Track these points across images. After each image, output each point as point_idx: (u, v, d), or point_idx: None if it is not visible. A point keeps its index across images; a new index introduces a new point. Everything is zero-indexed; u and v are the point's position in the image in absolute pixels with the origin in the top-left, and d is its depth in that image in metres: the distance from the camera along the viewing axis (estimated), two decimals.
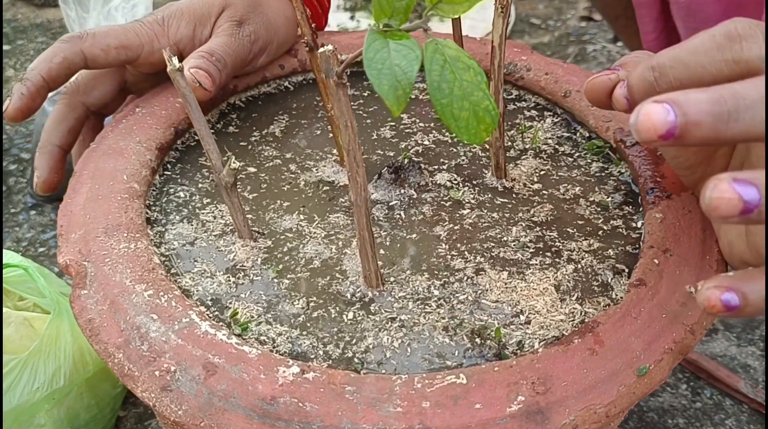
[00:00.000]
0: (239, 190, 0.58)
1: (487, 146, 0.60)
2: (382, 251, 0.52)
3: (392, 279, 0.50)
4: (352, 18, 1.50)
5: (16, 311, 0.72)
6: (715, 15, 0.81)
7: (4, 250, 0.75)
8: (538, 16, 1.60)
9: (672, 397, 0.83)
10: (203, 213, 0.56)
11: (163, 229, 0.54)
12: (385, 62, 0.36)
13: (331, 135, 0.64)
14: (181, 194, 0.57)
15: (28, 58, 1.48)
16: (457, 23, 0.54)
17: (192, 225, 0.55)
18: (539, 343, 0.46)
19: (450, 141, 0.63)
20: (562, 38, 1.52)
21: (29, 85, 0.57)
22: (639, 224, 0.54)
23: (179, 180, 0.59)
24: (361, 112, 0.67)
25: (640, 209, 0.55)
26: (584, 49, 1.47)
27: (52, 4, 1.67)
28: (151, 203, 0.56)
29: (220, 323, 0.46)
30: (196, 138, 0.63)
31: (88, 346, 0.73)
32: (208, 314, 0.47)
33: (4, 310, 0.71)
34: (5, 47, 1.51)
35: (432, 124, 0.65)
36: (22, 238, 1.07)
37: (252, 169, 0.60)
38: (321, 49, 0.41)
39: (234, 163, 0.50)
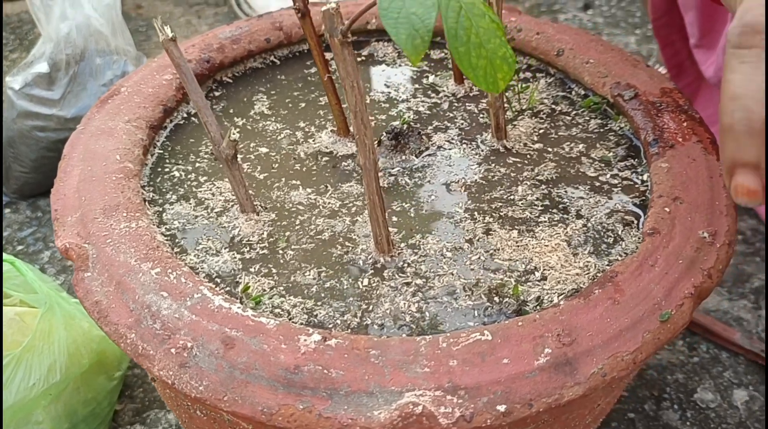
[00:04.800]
0: (246, 169, 0.56)
1: (486, 106, 0.60)
2: (394, 218, 0.51)
3: (403, 244, 0.49)
4: None
5: (7, 307, 0.69)
6: None
7: None
8: None
9: (670, 353, 0.83)
10: (201, 191, 0.54)
11: (161, 209, 0.52)
12: (401, 11, 0.35)
13: (322, 102, 0.63)
14: (176, 173, 0.56)
15: None
16: None
17: (191, 203, 0.53)
18: (558, 297, 0.45)
19: (442, 103, 0.62)
20: (533, 9, 1.51)
21: None
22: (645, 177, 0.54)
23: (172, 159, 0.57)
24: None
25: (644, 162, 0.55)
26: (556, 19, 1.47)
27: None
28: (145, 184, 0.54)
29: (233, 298, 0.45)
30: (186, 115, 0.61)
31: (83, 340, 0.71)
32: (218, 290, 0.46)
33: None
34: None
35: (420, 87, 0.64)
36: None
37: (253, 146, 0.59)
38: (324, 7, 0.40)
39: (234, 134, 0.49)
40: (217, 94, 0.64)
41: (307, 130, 0.60)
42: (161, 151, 0.58)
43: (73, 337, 0.70)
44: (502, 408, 0.38)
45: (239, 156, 0.57)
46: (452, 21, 0.35)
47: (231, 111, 0.62)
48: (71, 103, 1.02)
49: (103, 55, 1.02)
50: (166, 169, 0.56)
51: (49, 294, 0.70)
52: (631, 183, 0.54)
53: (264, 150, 0.58)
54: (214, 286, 0.46)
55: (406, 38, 0.34)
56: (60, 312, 0.70)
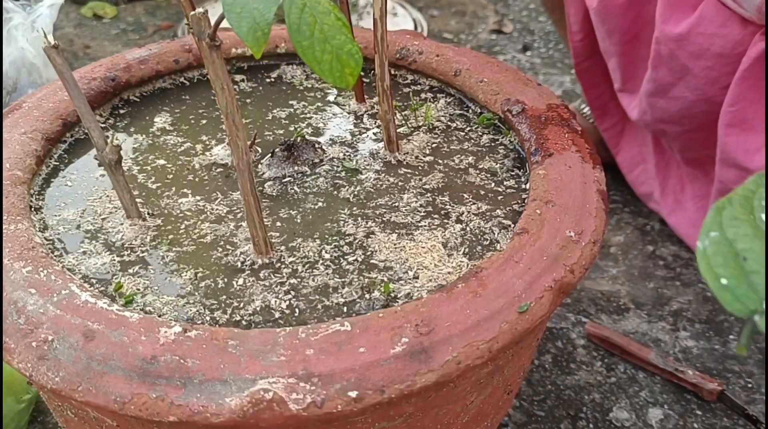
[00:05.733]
0: (140, 179, 0.57)
1: (379, 122, 0.62)
2: (278, 223, 0.52)
3: (283, 247, 0.50)
4: None
5: None
6: (620, 28, 0.84)
7: None
8: (450, 31, 1.64)
9: (587, 374, 0.84)
10: (90, 199, 0.55)
11: (47, 216, 0.53)
12: (245, 6, 0.36)
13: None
14: (69, 183, 0.56)
15: None
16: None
17: (78, 210, 0.54)
18: (427, 293, 0.46)
19: (342, 119, 0.64)
20: (475, 50, 1.56)
21: None
22: (527, 185, 0.56)
23: (67, 170, 0.58)
24: (259, 97, 0.67)
25: (528, 171, 0.57)
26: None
27: None
28: (35, 192, 0.55)
29: (103, 296, 0.45)
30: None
31: None
32: (89, 288, 0.46)
33: None
34: None
35: (324, 106, 0.66)
36: None
37: (151, 158, 0.60)
38: (192, 12, 0.41)
39: (116, 139, 0.50)
40: (122, 111, 0.65)
41: (207, 143, 0.61)
42: (57, 163, 0.58)
43: None
44: (353, 394, 0.39)
45: (136, 167, 0.58)
46: (295, 17, 0.37)
47: (132, 128, 0.63)
48: None
49: (35, 86, 1.03)
50: (60, 180, 0.57)
51: None
52: (514, 190, 0.56)
53: (161, 162, 0.59)
54: (87, 285, 0.46)
55: (247, 31, 0.36)
56: None
